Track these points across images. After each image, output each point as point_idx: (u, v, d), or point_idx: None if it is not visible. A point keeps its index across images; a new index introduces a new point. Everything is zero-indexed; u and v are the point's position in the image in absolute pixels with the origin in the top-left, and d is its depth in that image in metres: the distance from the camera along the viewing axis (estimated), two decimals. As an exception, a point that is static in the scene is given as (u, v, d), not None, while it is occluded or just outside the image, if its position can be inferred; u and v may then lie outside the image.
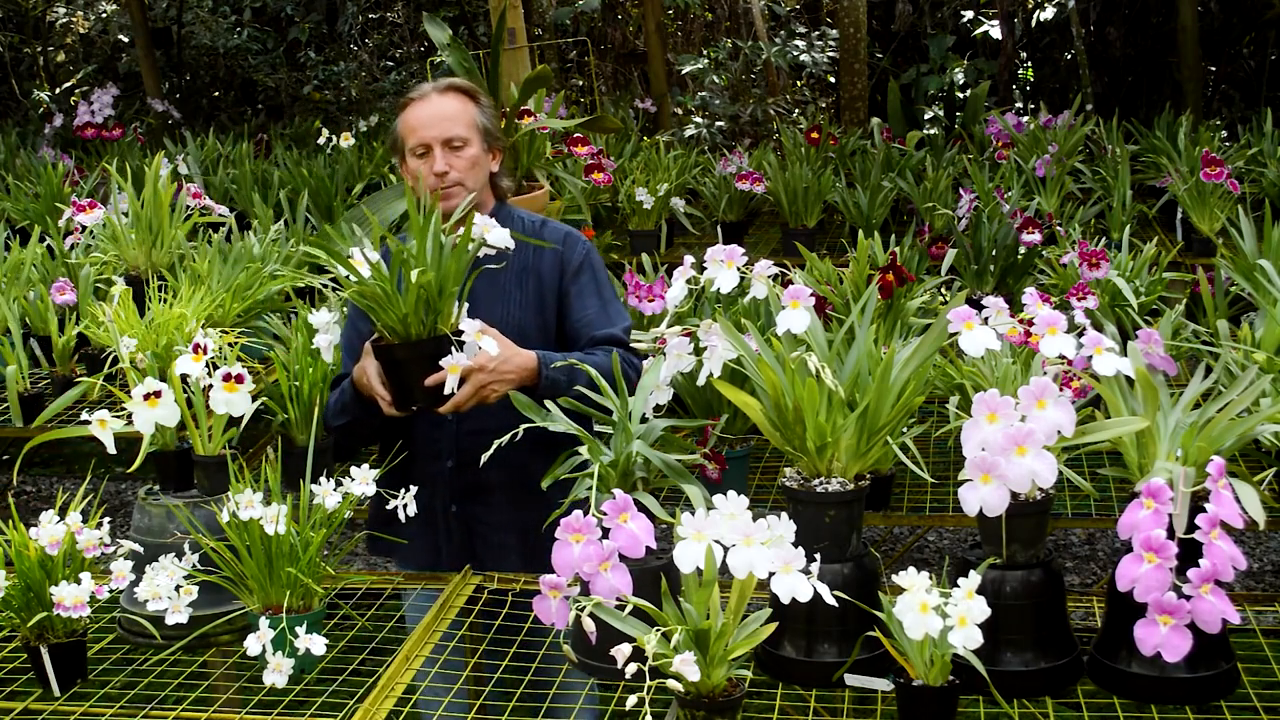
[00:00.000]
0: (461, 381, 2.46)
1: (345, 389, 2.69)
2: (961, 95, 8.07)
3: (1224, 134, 5.99)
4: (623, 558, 1.82)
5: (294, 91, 9.32)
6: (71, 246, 3.68)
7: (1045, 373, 2.08)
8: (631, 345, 2.72)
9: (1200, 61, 7.01)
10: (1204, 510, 1.78)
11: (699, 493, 1.98)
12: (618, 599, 1.79)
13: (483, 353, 2.44)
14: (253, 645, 2.04)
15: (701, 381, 2.27)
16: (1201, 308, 3.02)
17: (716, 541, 1.74)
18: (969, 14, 8.62)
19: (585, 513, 1.85)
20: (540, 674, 2.19)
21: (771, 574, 1.73)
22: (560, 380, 2.51)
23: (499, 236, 2.47)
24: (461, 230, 2.44)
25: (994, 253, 3.73)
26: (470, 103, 2.79)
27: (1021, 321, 2.16)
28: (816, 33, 8.56)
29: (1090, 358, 2.00)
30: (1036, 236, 3.77)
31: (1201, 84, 7.25)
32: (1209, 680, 1.89)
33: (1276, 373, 2.44)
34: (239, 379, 2.24)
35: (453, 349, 2.41)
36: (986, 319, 2.12)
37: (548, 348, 2.68)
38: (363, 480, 2.26)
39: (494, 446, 2.21)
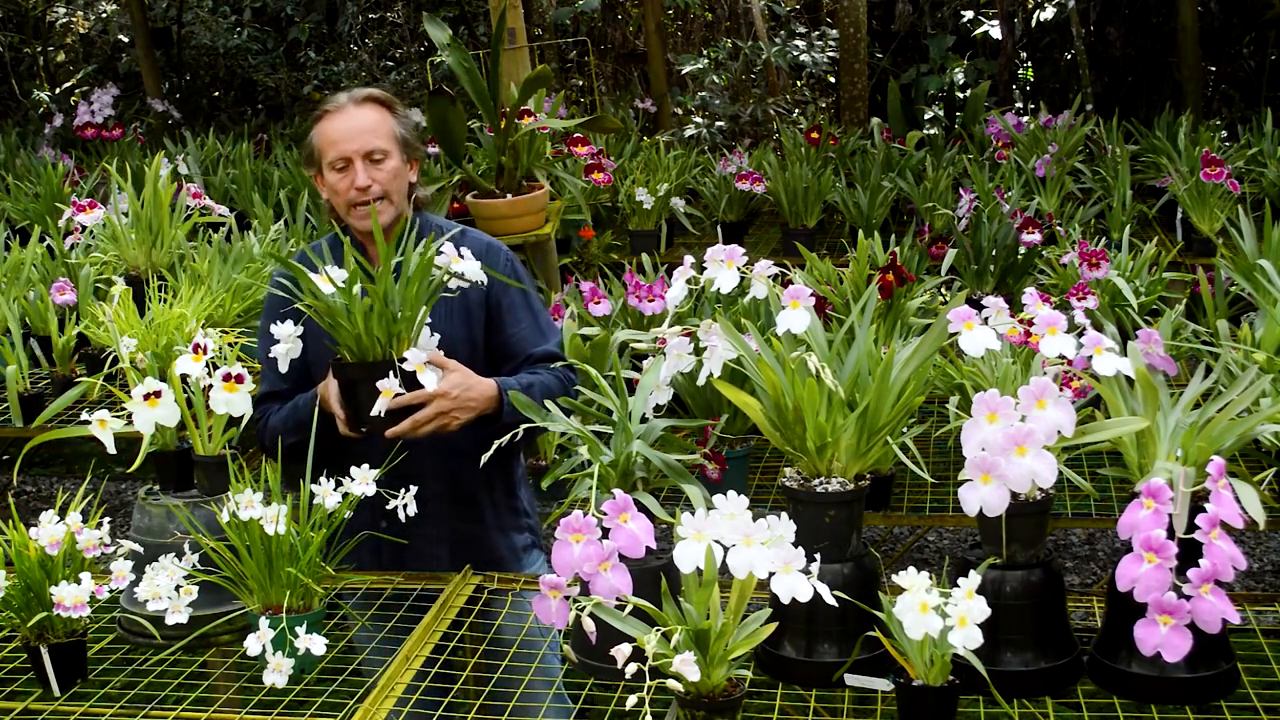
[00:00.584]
0: (419, 407, 2.45)
1: (300, 405, 2.61)
2: (961, 95, 8.06)
3: (1224, 134, 5.99)
4: (623, 558, 1.82)
5: (294, 91, 9.31)
6: (71, 246, 3.68)
7: (1045, 373, 2.08)
8: (567, 358, 2.71)
9: (1200, 61, 7.00)
10: (1204, 510, 1.77)
11: (699, 493, 1.97)
12: (618, 599, 1.79)
13: (446, 380, 2.44)
14: (253, 645, 2.04)
15: (701, 381, 2.26)
16: (1201, 308, 3.02)
17: (716, 541, 1.73)
18: (969, 14, 8.61)
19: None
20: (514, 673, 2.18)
21: (771, 574, 1.72)
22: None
23: (469, 269, 2.46)
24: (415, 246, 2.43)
25: (994, 253, 3.73)
26: (388, 114, 2.75)
27: (1021, 321, 2.15)
28: (816, 33, 8.55)
29: (1090, 358, 2.00)
30: (1036, 236, 3.77)
31: (1201, 84, 7.24)
32: (1209, 680, 1.89)
33: (1276, 373, 2.44)
34: (239, 379, 2.24)
35: (391, 373, 2.39)
36: (986, 319, 2.12)
37: (474, 359, 2.66)
38: (363, 480, 2.26)
39: (494, 447, 2.21)
